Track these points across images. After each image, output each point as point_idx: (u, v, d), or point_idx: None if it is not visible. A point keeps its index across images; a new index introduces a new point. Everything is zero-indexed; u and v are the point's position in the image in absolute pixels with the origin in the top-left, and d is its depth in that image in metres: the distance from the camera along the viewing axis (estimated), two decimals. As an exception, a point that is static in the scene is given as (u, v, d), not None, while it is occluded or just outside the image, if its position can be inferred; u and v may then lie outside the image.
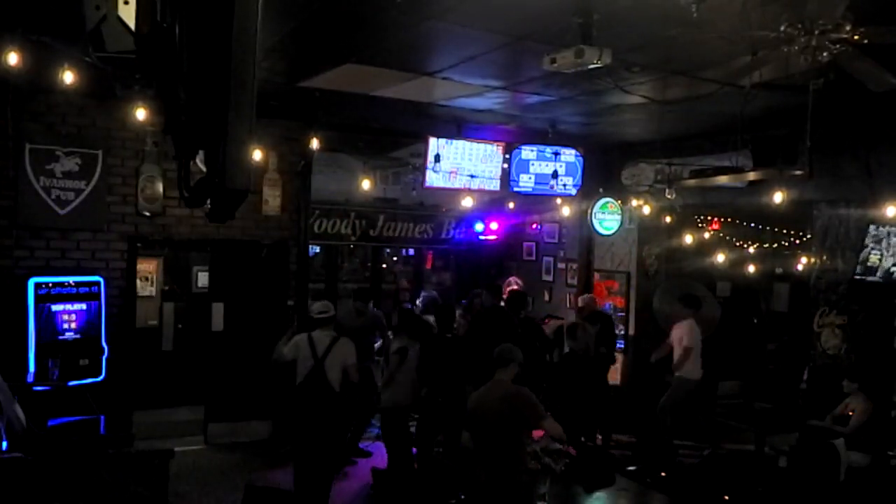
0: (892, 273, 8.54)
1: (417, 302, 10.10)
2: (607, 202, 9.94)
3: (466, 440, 5.48)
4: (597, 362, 8.41)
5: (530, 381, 5.57)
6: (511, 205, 10.49)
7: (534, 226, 12.09)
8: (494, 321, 8.13)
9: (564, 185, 9.40)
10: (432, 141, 8.68)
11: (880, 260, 8.44)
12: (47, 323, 7.10)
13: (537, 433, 5.59)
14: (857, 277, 8.42)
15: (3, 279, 7.23)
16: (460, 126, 8.83)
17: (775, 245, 10.63)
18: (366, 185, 9.37)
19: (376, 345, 8.60)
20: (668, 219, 10.03)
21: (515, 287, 10.68)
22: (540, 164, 9.21)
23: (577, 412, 7.76)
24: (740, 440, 8.51)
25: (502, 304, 8.98)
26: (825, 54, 4.29)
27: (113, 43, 2.87)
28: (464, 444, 5.72)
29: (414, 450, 7.31)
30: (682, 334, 8.51)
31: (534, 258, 12.17)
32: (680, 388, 8.51)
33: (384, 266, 12.49)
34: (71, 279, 7.31)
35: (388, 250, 12.34)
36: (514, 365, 5.14)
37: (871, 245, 8.36)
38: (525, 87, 6.96)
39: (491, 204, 10.76)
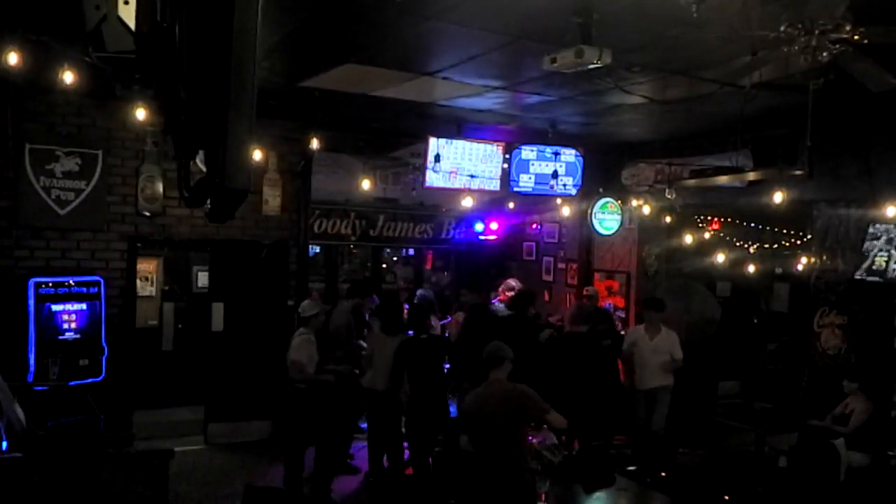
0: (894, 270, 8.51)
1: (415, 300, 10.10)
2: (607, 202, 9.94)
3: (465, 443, 5.44)
4: (601, 353, 8.41)
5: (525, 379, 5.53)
6: (511, 205, 10.49)
7: (534, 226, 12.09)
8: (478, 321, 8.13)
9: (564, 185, 9.40)
10: (432, 141, 8.68)
11: (887, 262, 8.38)
12: (47, 323, 7.10)
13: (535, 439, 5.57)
14: (858, 277, 8.42)
15: (3, 279, 7.24)
16: (460, 126, 8.83)
17: (775, 245, 10.62)
18: (366, 185, 9.37)
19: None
20: (668, 219, 10.03)
21: (514, 287, 10.66)
22: (540, 164, 9.21)
23: (580, 403, 7.76)
24: (740, 440, 8.51)
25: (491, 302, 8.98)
26: (825, 54, 4.28)
27: (113, 43, 2.87)
28: (462, 448, 5.69)
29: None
30: (671, 344, 8.04)
31: (534, 258, 12.17)
32: (669, 396, 8.10)
33: (384, 266, 12.49)
34: (71, 279, 7.31)
35: (388, 250, 12.33)
36: (508, 363, 5.09)
37: (876, 245, 8.30)
38: (525, 87, 6.96)
39: (491, 204, 10.76)
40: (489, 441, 4.98)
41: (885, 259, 8.34)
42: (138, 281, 8.63)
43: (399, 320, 7.42)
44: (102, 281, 7.51)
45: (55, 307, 7.16)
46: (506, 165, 9.11)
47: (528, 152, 9.18)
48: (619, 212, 10.02)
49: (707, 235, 10.55)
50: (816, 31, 4.16)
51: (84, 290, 7.35)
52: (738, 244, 10.78)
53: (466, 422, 5.27)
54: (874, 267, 8.36)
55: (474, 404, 5.10)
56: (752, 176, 7.19)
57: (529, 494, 5.01)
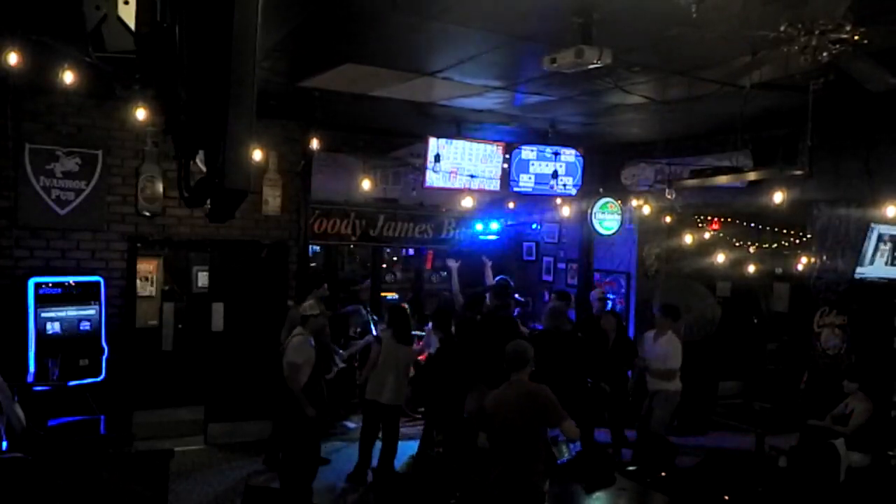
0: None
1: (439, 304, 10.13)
2: (607, 202, 9.94)
3: (482, 441, 5.43)
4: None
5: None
6: (511, 205, 10.49)
7: (534, 226, 12.09)
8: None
9: (564, 185, 9.39)
10: (432, 141, 8.68)
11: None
12: (47, 323, 7.08)
13: None
14: (858, 277, 8.41)
15: (2, 279, 7.24)
16: (460, 126, 8.83)
17: (775, 245, 10.62)
18: (366, 185, 9.37)
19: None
20: (668, 219, 10.03)
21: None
22: (540, 164, 9.20)
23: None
24: (740, 440, 8.51)
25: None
26: (825, 54, 4.29)
27: (113, 43, 2.87)
28: (480, 446, 5.68)
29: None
30: (665, 351, 8.07)
31: (534, 258, 12.17)
32: (670, 403, 8.09)
33: (384, 266, 12.48)
34: (71, 279, 7.31)
35: (388, 250, 12.33)
36: (531, 363, 5.08)
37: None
38: (525, 87, 6.96)
39: (491, 204, 10.76)
40: (506, 440, 4.97)
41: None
42: (138, 281, 8.61)
43: (409, 329, 7.54)
44: (102, 281, 7.50)
45: (55, 307, 7.15)
46: (506, 165, 9.10)
47: (528, 152, 9.17)
48: (619, 212, 10.02)
49: (707, 235, 10.54)
50: (816, 31, 4.17)
51: (84, 290, 7.35)
52: (737, 244, 10.78)
53: (486, 420, 5.25)
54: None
55: (494, 403, 5.09)
56: (752, 176, 7.20)
57: (538, 496, 5.00)
